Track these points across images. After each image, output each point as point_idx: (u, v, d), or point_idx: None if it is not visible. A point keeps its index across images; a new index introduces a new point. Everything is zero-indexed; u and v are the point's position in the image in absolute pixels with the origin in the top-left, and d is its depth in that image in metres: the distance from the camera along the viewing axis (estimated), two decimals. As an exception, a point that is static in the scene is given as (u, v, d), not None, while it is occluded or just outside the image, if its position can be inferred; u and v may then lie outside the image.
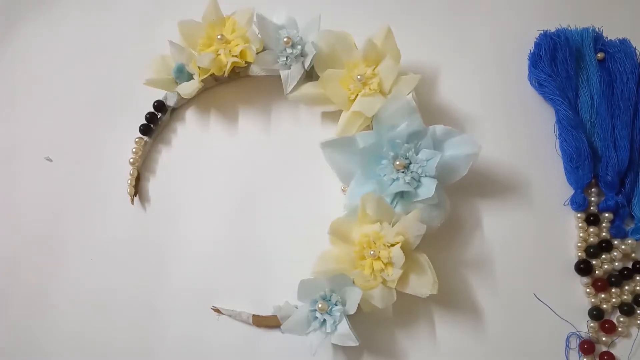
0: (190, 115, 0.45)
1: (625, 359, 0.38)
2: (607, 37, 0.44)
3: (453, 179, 0.38)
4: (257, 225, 0.42)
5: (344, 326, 0.35)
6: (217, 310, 0.40)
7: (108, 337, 0.41)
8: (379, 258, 0.35)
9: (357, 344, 0.35)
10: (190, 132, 0.45)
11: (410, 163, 0.37)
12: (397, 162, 0.36)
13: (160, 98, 0.44)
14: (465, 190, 0.41)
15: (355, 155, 0.38)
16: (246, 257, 0.41)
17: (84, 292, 0.42)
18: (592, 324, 0.39)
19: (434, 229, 0.37)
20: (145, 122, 0.43)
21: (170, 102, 0.44)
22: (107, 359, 0.40)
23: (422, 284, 0.35)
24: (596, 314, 0.39)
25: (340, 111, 0.41)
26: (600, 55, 0.43)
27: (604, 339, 0.39)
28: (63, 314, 0.42)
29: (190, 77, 0.42)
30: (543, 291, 0.39)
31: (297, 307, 0.37)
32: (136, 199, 0.43)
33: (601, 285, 0.39)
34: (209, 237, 0.42)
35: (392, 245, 0.35)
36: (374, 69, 0.40)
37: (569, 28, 0.44)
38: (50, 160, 0.45)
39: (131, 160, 0.43)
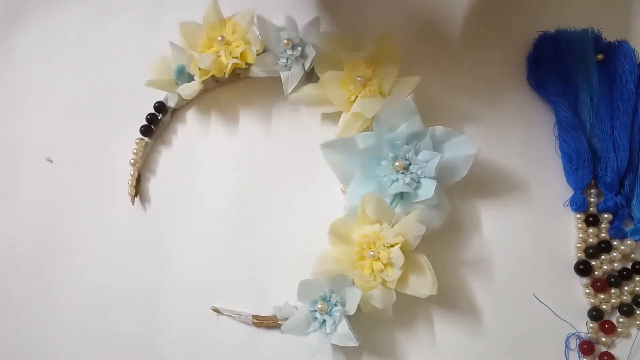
0: (190, 116, 0.45)
1: (625, 360, 0.38)
2: (606, 39, 0.44)
3: (453, 180, 0.38)
4: (257, 225, 0.42)
5: (343, 327, 0.35)
6: (216, 311, 0.40)
7: (109, 337, 0.41)
8: (378, 259, 0.35)
9: (357, 345, 0.35)
10: (190, 133, 0.45)
11: (409, 164, 0.37)
12: (397, 163, 0.36)
13: (161, 99, 0.44)
14: (465, 191, 0.41)
15: (355, 156, 0.38)
16: (246, 257, 0.41)
17: (84, 291, 0.42)
18: (591, 325, 0.39)
19: (433, 230, 0.37)
20: (145, 123, 0.43)
21: (171, 103, 0.44)
22: (108, 358, 0.41)
23: (422, 285, 0.35)
24: (596, 314, 0.39)
25: (341, 112, 0.41)
26: (599, 56, 0.43)
27: (603, 339, 0.39)
28: (64, 313, 0.42)
29: (190, 78, 0.43)
30: (542, 292, 0.39)
31: (297, 308, 0.37)
32: (137, 199, 0.43)
33: (601, 285, 0.39)
34: (209, 237, 0.42)
35: (392, 245, 0.35)
36: (374, 70, 0.40)
37: (569, 29, 0.44)
38: (50, 161, 0.45)
39: (132, 160, 0.43)
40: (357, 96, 0.40)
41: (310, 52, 0.41)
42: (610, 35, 0.44)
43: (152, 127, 0.44)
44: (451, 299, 0.39)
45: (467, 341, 0.39)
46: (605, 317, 0.39)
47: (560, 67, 0.43)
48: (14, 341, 0.41)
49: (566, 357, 0.38)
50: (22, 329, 0.42)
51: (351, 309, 0.35)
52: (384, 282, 0.35)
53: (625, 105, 0.41)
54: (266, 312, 0.39)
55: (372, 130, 0.39)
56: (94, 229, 0.43)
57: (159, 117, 0.44)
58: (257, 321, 0.39)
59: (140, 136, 0.44)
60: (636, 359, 0.38)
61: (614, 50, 0.43)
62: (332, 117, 0.42)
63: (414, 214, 0.36)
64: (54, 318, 0.42)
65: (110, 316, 0.41)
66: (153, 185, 0.44)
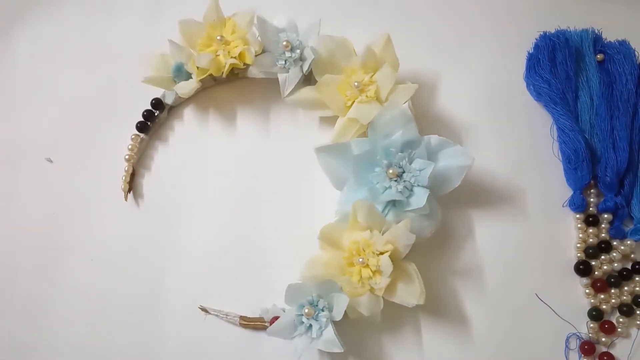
0: (187, 114, 0.45)
1: None
2: (606, 39, 0.44)
3: (446, 190, 0.38)
4: (252, 225, 0.42)
5: (329, 332, 0.35)
6: (204, 310, 0.40)
7: (106, 335, 0.41)
8: (367, 265, 0.35)
9: (342, 351, 0.35)
10: (187, 130, 0.45)
11: (403, 172, 0.37)
12: (390, 171, 0.36)
13: (158, 96, 0.44)
14: (464, 193, 0.41)
15: (349, 162, 0.38)
16: (241, 257, 0.41)
17: (83, 290, 0.42)
18: (591, 325, 0.39)
19: (424, 239, 0.37)
20: (142, 119, 0.43)
21: (168, 100, 0.44)
22: (107, 357, 0.41)
23: (410, 294, 0.35)
24: (596, 314, 0.39)
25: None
26: (599, 56, 0.43)
27: (603, 339, 0.39)
28: (63, 312, 0.41)
29: (188, 76, 0.42)
30: (543, 292, 0.39)
31: (284, 311, 0.37)
32: (130, 195, 0.43)
33: (600, 286, 0.39)
34: (203, 236, 0.42)
35: (381, 253, 0.35)
36: (372, 76, 0.40)
37: (569, 29, 0.44)
38: (50, 161, 0.45)
39: (126, 156, 0.43)
40: (353, 101, 0.40)
41: (309, 55, 0.41)
42: (610, 35, 0.44)
43: (149, 123, 0.44)
44: (452, 298, 0.39)
45: (466, 342, 0.39)
46: (605, 317, 0.39)
47: (560, 68, 0.42)
48: (13, 340, 0.41)
49: (566, 357, 0.38)
50: (19, 329, 0.41)
51: (338, 315, 0.35)
52: (371, 290, 0.35)
53: (625, 105, 0.41)
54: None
55: (368, 136, 0.39)
56: (93, 228, 0.43)
57: (156, 114, 0.44)
58: (244, 322, 0.39)
59: (136, 132, 0.43)
60: (636, 359, 0.38)
61: (614, 50, 0.43)
62: (330, 120, 0.42)
63: (404, 222, 0.35)
64: (53, 316, 0.41)
65: (107, 314, 0.41)
66: (147, 182, 0.44)
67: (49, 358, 0.41)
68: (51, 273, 0.42)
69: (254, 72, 0.42)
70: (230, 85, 0.45)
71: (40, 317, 0.42)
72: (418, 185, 0.36)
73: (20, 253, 0.43)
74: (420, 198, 0.36)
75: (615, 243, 0.40)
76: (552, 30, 0.44)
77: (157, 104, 0.44)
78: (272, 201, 0.43)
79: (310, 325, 0.36)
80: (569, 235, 0.41)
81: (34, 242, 0.43)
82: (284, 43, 0.40)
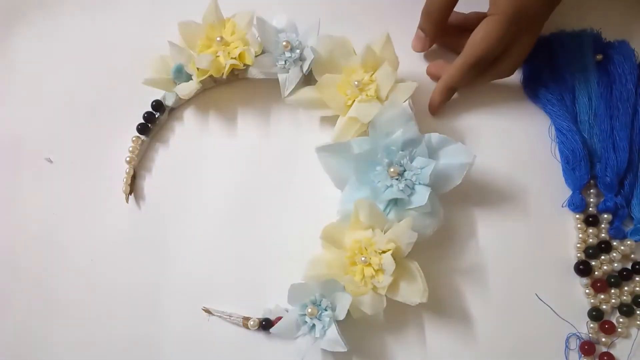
0: (188, 115, 0.45)
1: None
2: (606, 39, 0.44)
3: (447, 188, 0.38)
4: (253, 226, 0.42)
5: (332, 331, 0.35)
6: (207, 311, 0.40)
7: (107, 336, 0.41)
8: (369, 264, 0.35)
9: (346, 350, 0.35)
10: (187, 132, 0.45)
11: (404, 170, 0.37)
12: (392, 169, 0.36)
13: (159, 98, 0.44)
14: (463, 194, 0.41)
15: (350, 161, 0.38)
16: (242, 257, 0.41)
17: (83, 290, 0.42)
18: (591, 325, 0.39)
19: (426, 237, 0.37)
20: (142, 121, 0.43)
21: (169, 102, 0.44)
22: (107, 357, 0.41)
23: (413, 292, 0.35)
24: (596, 314, 0.39)
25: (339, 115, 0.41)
26: (599, 56, 0.43)
27: (603, 339, 0.39)
28: (63, 313, 0.42)
29: (188, 77, 0.42)
30: (543, 292, 0.39)
31: (287, 311, 0.37)
32: (131, 197, 0.43)
33: (601, 286, 0.39)
34: (204, 236, 0.42)
35: (384, 252, 0.35)
36: (372, 75, 0.40)
37: (566, 30, 0.44)
38: (50, 161, 0.45)
39: (127, 158, 0.43)
40: (354, 101, 0.40)
41: (309, 55, 0.41)
42: (610, 35, 0.44)
43: (149, 125, 0.44)
44: (452, 298, 0.40)
45: (465, 343, 0.39)
46: (605, 317, 0.39)
47: (556, 70, 0.42)
48: (14, 341, 0.41)
49: (566, 357, 0.38)
50: (21, 329, 0.41)
51: (341, 314, 0.35)
52: (374, 288, 0.35)
53: (625, 106, 0.41)
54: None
55: (368, 135, 0.39)
56: (93, 228, 0.43)
57: (156, 116, 0.44)
58: (247, 323, 0.39)
59: (137, 134, 0.43)
60: (636, 359, 0.38)
61: (614, 50, 0.43)
62: (331, 120, 0.42)
63: (406, 220, 0.35)
64: (53, 315, 0.41)
65: (109, 313, 0.41)
66: (148, 184, 0.44)
67: (49, 358, 0.41)
68: (51, 273, 0.42)
69: (254, 72, 0.42)
70: (231, 86, 0.45)
71: (40, 317, 0.42)
72: (419, 184, 0.36)
73: (21, 253, 0.43)
74: (421, 196, 0.36)
75: (615, 243, 0.40)
76: (552, 31, 0.44)
77: (158, 105, 0.44)
78: (273, 201, 0.43)
79: (314, 325, 0.36)
80: (569, 235, 0.41)
81: (34, 242, 0.43)
82: (284, 43, 0.40)
